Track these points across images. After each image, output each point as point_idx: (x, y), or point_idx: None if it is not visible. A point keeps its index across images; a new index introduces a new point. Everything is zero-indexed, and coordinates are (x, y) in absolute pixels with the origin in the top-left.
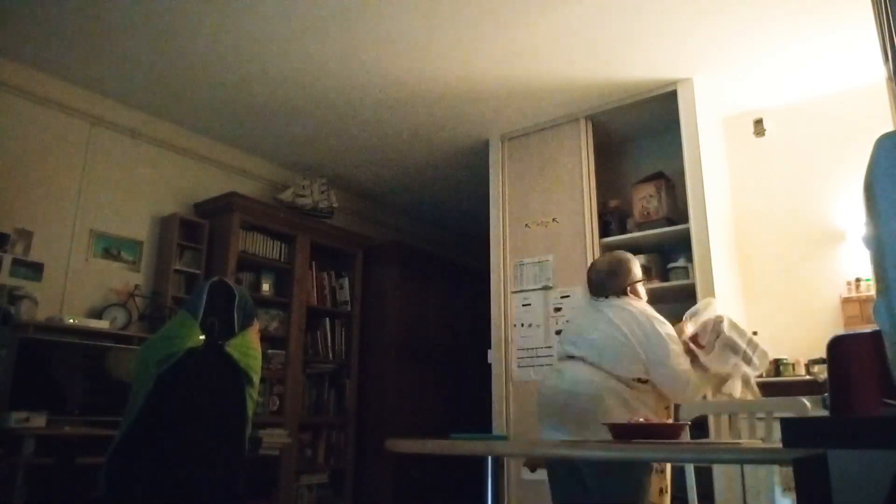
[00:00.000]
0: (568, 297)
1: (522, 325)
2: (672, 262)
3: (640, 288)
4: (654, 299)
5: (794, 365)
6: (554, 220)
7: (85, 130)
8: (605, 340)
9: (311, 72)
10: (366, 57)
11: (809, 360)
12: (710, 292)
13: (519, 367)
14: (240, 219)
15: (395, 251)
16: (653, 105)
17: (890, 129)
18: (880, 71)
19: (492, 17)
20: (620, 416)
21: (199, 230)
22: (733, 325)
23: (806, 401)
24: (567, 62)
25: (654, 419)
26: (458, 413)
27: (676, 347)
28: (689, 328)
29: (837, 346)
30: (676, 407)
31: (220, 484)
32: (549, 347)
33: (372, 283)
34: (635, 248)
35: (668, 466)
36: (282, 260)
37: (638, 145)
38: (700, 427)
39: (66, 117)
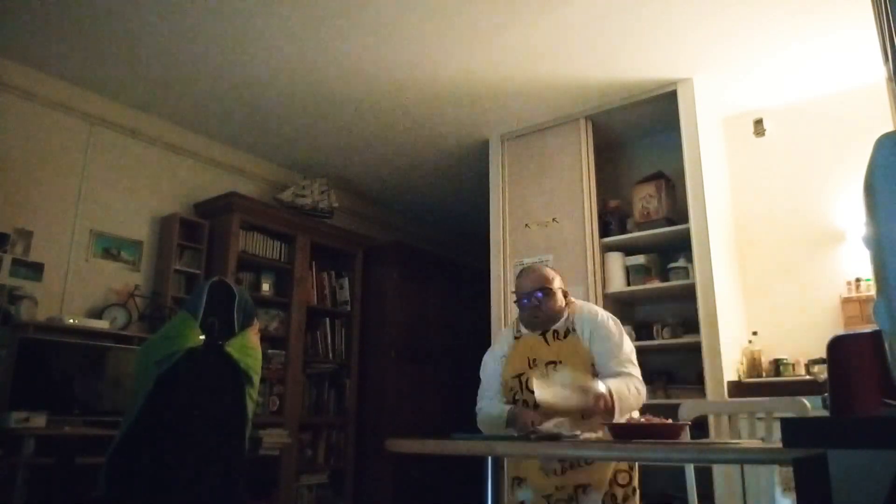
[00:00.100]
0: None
1: None
2: (672, 262)
3: (518, 309)
4: (655, 299)
5: (794, 365)
6: (554, 220)
7: (85, 130)
8: None
9: (311, 72)
10: (366, 57)
11: (809, 360)
12: (710, 292)
13: None
14: (240, 219)
15: (395, 251)
16: (653, 105)
17: (890, 129)
18: (880, 71)
19: (492, 17)
20: None
21: (199, 230)
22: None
23: (806, 401)
24: (567, 62)
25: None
26: (458, 413)
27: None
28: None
29: (837, 346)
30: None
31: (220, 484)
32: None
33: (372, 283)
34: (635, 248)
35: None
36: (282, 260)
37: (638, 145)
38: (700, 427)
39: (66, 117)
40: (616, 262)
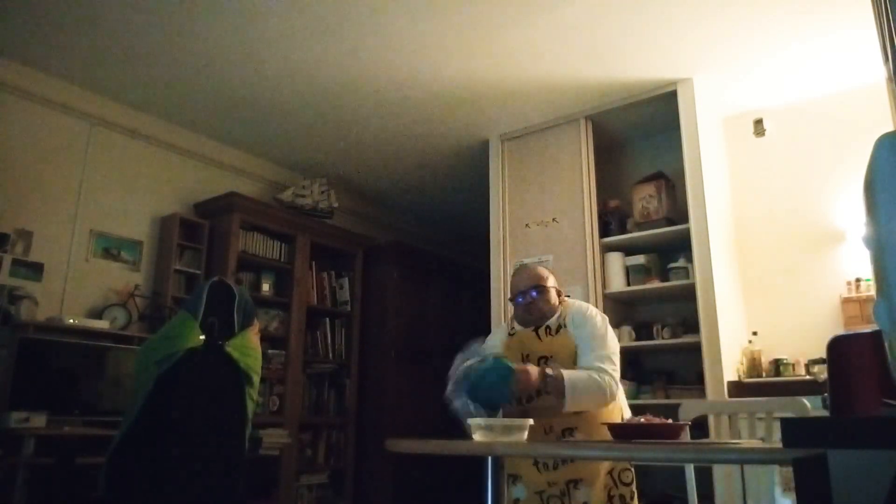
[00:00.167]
0: (568, 296)
1: None
2: (672, 262)
3: (512, 307)
4: (655, 299)
5: (794, 365)
6: (554, 220)
7: (85, 130)
8: None
9: (311, 72)
10: (366, 57)
11: (809, 360)
12: (711, 292)
13: None
14: (240, 219)
15: (395, 251)
16: (653, 105)
17: (890, 129)
18: (880, 71)
19: (492, 17)
20: None
21: (199, 230)
22: None
23: (806, 401)
24: (567, 62)
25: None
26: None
27: None
28: None
29: (837, 346)
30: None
31: (219, 484)
32: None
33: (372, 283)
34: (635, 248)
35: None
36: (282, 260)
37: (638, 145)
38: (700, 427)
39: (66, 117)
40: (616, 262)
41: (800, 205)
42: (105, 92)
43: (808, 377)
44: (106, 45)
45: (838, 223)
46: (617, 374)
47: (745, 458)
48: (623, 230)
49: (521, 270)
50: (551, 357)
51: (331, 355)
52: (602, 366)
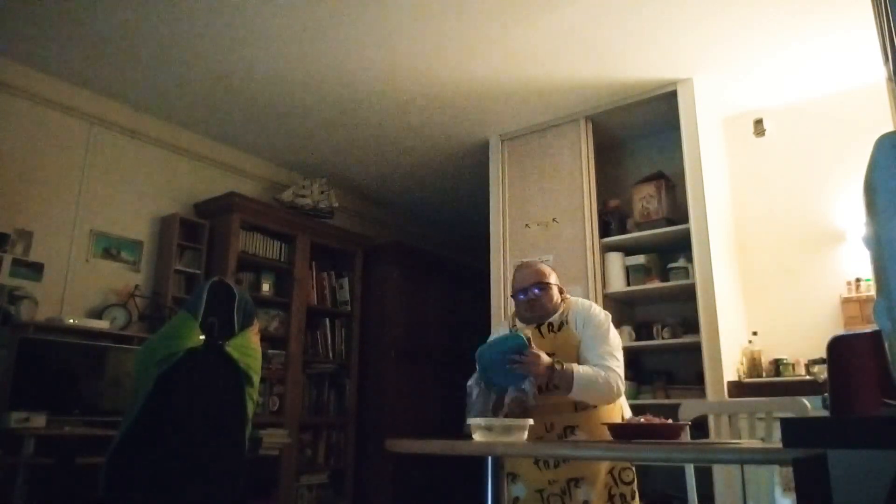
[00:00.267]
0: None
1: None
2: (672, 262)
3: (514, 303)
4: (655, 299)
5: (794, 365)
6: (554, 220)
7: (85, 130)
8: None
9: (311, 72)
10: (366, 57)
11: (809, 360)
12: (711, 292)
13: None
14: (240, 219)
15: (395, 251)
16: (653, 105)
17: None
18: (880, 71)
19: (492, 17)
20: None
21: (199, 230)
22: None
23: (806, 401)
24: (567, 62)
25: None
26: (458, 413)
27: None
28: None
29: (837, 346)
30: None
31: (220, 484)
32: None
33: (372, 283)
34: (635, 248)
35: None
36: (282, 260)
37: (638, 145)
38: (700, 427)
39: (66, 117)
40: (616, 262)
41: (800, 205)
42: (105, 92)
43: (808, 377)
44: (106, 45)
45: (838, 223)
46: (622, 371)
47: (745, 458)
48: (623, 230)
49: (523, 267)
50: (554, 354)
51: (331, 355)
52: (607, 363)
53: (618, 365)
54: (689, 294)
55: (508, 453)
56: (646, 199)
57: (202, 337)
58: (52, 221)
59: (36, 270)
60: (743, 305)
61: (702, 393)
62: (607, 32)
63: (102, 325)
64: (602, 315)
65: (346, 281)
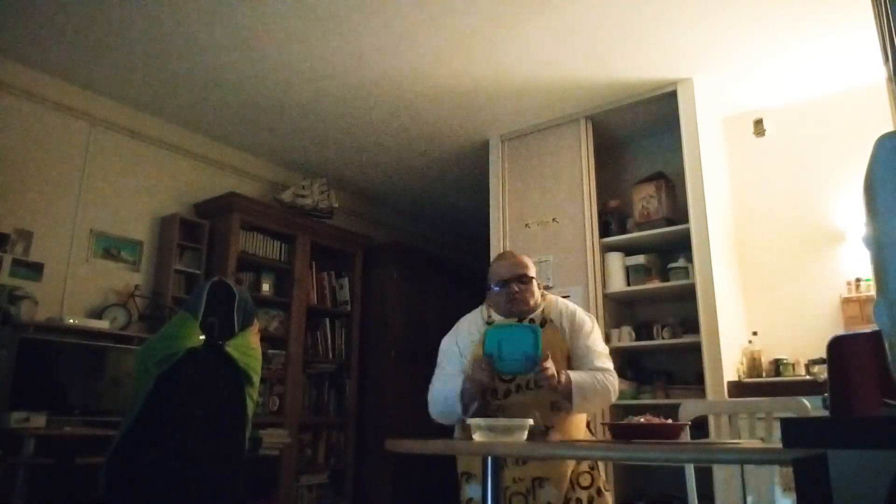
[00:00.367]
0: (568, 296)
1: None
2: (672, 262)
3: (490, 294)
4: (655, 299)
5: (794, 365)
6: (554, 220)
7: (85, 130)
8: None
9: (311, 72)
10: (366, 58)
11: (809, 360)
12: (711, 292)
13: None
14: (240, 219)
15: (395, 251)
16: (653, 105)
17: (890, 129)
18: (880, 71)
19: (492, 17)
20: None
21: (199, 230)
22: None
23: (806, 401)
24: (567, 62)
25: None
26: None
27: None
28: None
29: (837, 346)
30: None
31: (220, 484)
32: None
33: (372, 283)
34: (635, 248)
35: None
36: (282, 260)
37: (638, 145)
38: (700, 427)
39: (66, 117)
40: (616, 262)
41: (800, 205)
42: (105, 92)
43: (808, 377)
44: (106, 45)
45: (838, 223)
46: (612, 368)
47: (745, 458)
48: (623, 230)
49: (504, 257)
50: None
51: (331, 355)
52: (604, 366)
53: (612, 365)
54: (689, 294)
55: (508, 453)
56: (646, 199)
57: (202, 337)
58: (52, 221)
59: (36, 270)
60: (743, 305)
61: (702, 393)
62: (607, 32)
63: (102, 325)
64: (588, 320)
65: (346, 281)
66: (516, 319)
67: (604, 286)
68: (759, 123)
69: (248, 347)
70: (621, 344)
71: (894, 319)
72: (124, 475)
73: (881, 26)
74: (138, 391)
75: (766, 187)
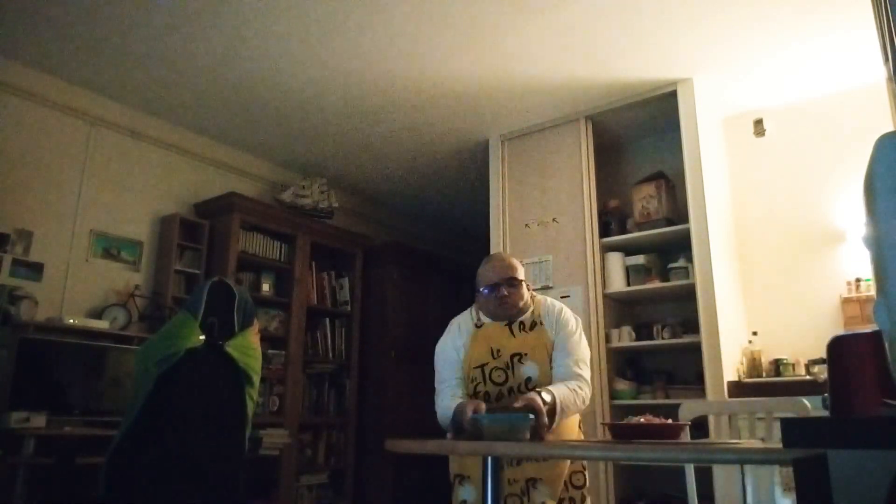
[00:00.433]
0: (568, 296)
1: None
2: (672, 262)
3: (479, 297)
4: (655, 299)
5: (794, 365)
6: (554, 220)
7: (85, 130)
8: None
9: (311, 72)
10: (366, 58)
11: (809, 360)
12: (711, 292)
13: None
14: (240, 219)
15: (395, 251)
16: (653, 105)
17: (890, 129)
18: (880, 71)
19: (492, 17)
20: None
21: (199, 230)
22: None
23: (806, 401)
24: (567, 62)
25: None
26: None
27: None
28: None
29: (837, 346)
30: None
31: (220, 484)
32: None
33: (372, 283)
34: (635, 248)
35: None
36: (282, 260)
37: (638, 145)
38: (700, 427)
39: (66, 117)
40: (616, 262)
41: (800, 205)
42: (105, 92)
43: (808, 377)
44: (106, 45)
45: (838, 223)
46: (589, 377)
47: (745, 458)
48: (623, 230)
49: (492, 259)
50: (526, 354)
51: (331, 355)
52: (581, 372)
53: (588, 373)
54: (689, 294)
55: (508, 453)
56: (646, 199)
57: (202, 337)
58: (52, 221)
59: (36, 270)
60: (743, 305)
61: (702, 393)
62: (607, 32)
63: (102, 325)
64: (573, 319)
65: (346, 281)
66: (504, 323)
67: (604, 286)
68: (759, 123)
69: (248, 347)
70: (621, 344)
71: (894, 319)
72: (124, 475)
73: (881, 26)
74: (138, 391)
75: (766, 187)
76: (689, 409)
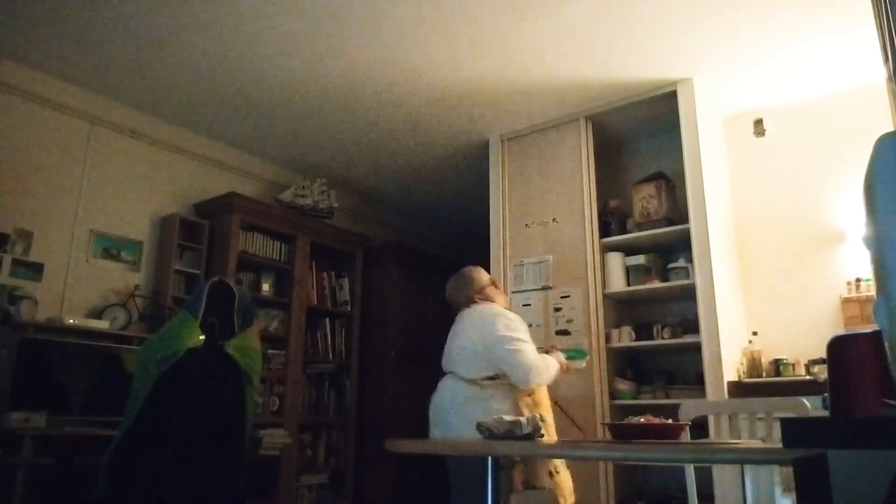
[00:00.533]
0: (568, 296)
1: None
2: (672, 262)
3: (492, 290)
4: (655, 299)
5: (794, 365)
6: (554, 220)
7: (85, 130)
8: (457, 350)
9: (311, 72)
10: (366, 57)
11: (809, 360)
12: (711, 292)
13: None
14: (240, 219)
15: (395, 251)
16: (653, 105)
17: (890, 129)
18: (880, 71)
19: (492, 17)
20: (480, 415)
21: (199, 230)
22: None
23: (806, 401)
24: (567, 62)
25: (655, 420)
26: None
27: (517, 339)
28: None
29: (837, 346)
30: (550, 390)
31: (220, 484)
32: None
33: (372, 283)
34: (635, 248)
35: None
36: (282, 260)
37: (638, 145)
38: (700, 427)
39: (66, 117)
40: (616, 262)
41: (800, 205)
42: (105, 92)
43: (808, 377)
44: (105, 45)
45: (838, 223)
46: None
47: (745, 458)
48: (623, 230)
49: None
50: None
51: (331, 355)
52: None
53: (520, 349)
54: (689, 294)
55: (508, 453)
56: (646, 199)
57: (202, 337)
58: (52, 221)
59: (36, 270)
60: (743, 305)
61: (702, 393)
62: (607, 32)
63: (102, 325)
64: (484, 319)
65: (346, 281)
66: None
67: (604, 286)
68: (759, 123)
69: (248, 348)
70: (621, 344)
71: (894, 319)
72: (124, 475)
73: (881, 26)
74: (138, 391)
75: (766, 187)
76: (689, 409)
